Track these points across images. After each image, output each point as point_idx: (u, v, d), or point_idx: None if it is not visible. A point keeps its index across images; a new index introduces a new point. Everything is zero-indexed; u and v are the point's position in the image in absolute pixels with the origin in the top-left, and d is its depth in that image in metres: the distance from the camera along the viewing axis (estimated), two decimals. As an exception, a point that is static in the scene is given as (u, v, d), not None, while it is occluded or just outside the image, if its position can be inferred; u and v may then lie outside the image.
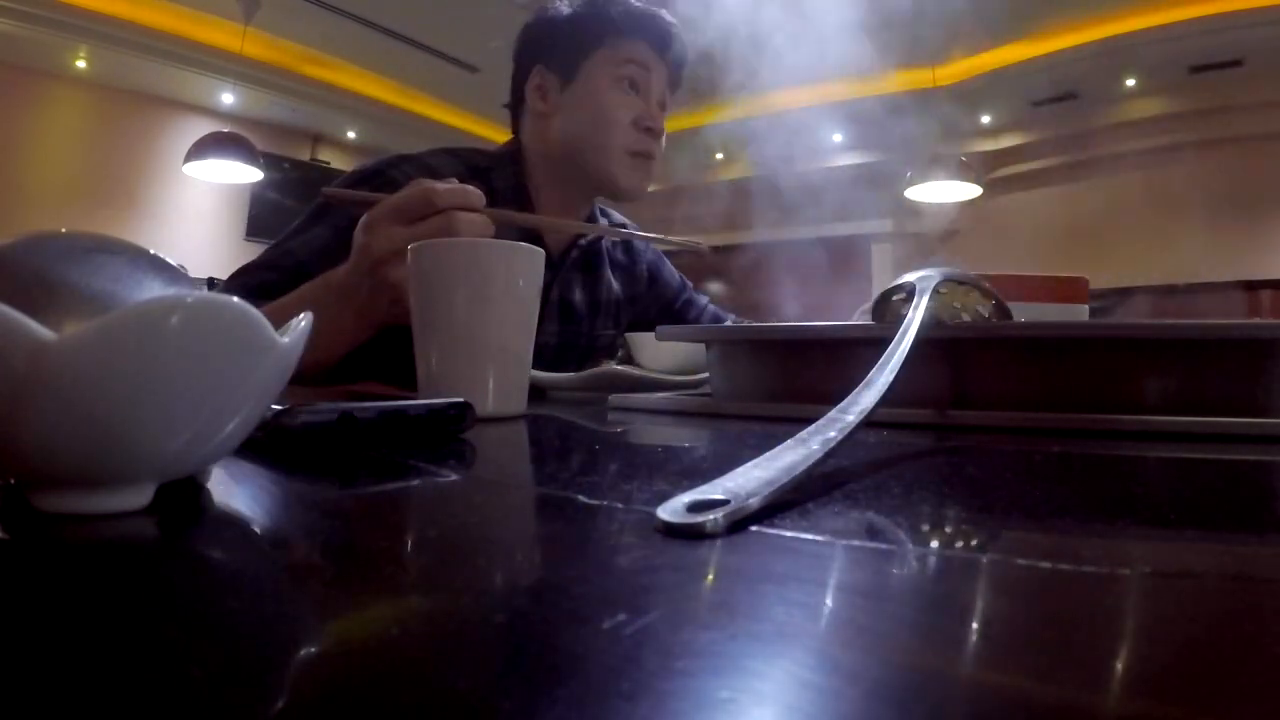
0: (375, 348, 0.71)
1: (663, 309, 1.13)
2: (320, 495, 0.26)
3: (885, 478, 0.27)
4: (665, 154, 0.95)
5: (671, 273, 1.16)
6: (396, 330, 0.63)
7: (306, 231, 0.82)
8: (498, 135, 5.04)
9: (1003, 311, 0.47)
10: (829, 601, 0.15)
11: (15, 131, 4.11)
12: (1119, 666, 0.12)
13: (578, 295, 1.00)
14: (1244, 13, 3.54)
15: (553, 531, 0.22)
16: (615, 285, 1.05)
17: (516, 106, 0.98)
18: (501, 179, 0.92)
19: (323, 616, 0.15)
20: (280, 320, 0.22)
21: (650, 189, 0.97)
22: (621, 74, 0.91)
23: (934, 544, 0.19)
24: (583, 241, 0.99)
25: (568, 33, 0.93)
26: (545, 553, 0.20)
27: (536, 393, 0.66)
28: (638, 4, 0.94)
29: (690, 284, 1.19)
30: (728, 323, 1.11)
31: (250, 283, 0.78)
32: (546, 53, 0.94)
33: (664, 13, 0.95)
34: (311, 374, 0.70)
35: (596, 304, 1.02)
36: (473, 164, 0.92)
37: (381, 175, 0.84)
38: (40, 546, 0.18)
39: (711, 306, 1.18)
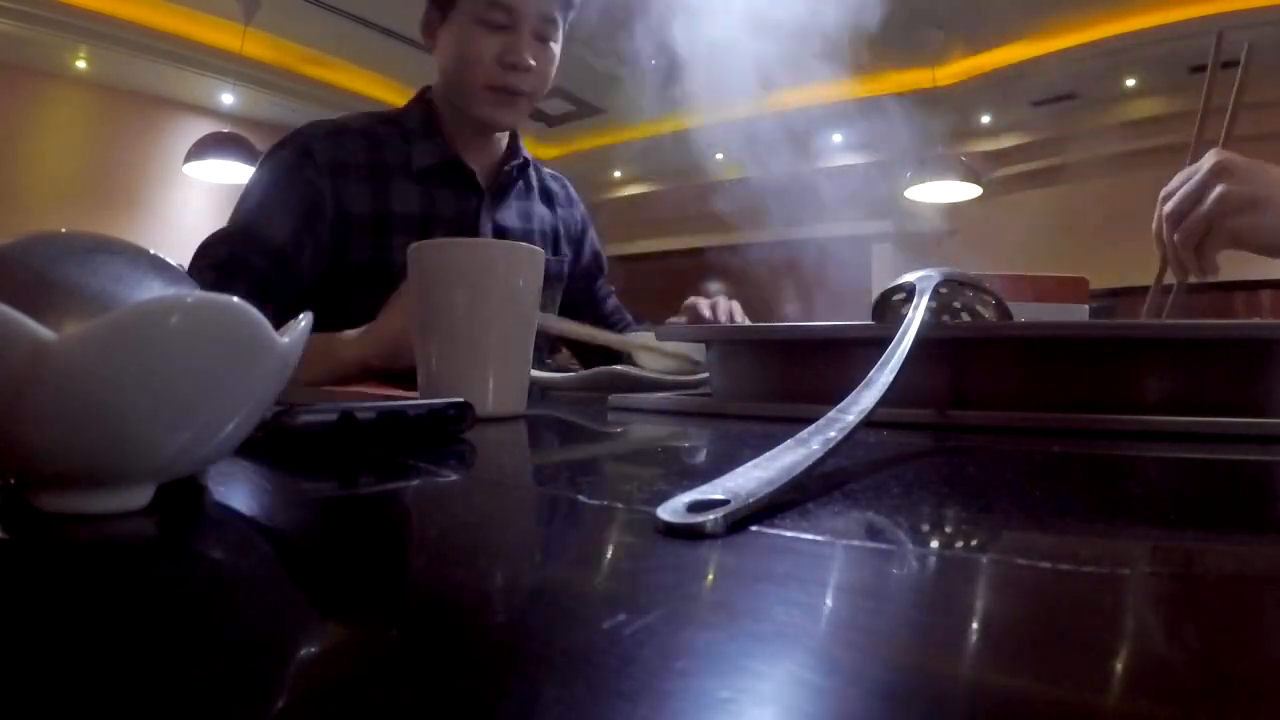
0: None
1: (581, 272, 1.14)
2: (320, 495, 0.26)
3: (885, 478, 0.27)
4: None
5: (594, 243, 1.17)
6: None
7: (266, 207, 0.86)
8: (498, 135, 5.04)
9: (1003, 311, 0.47)
10: (829, 601, 0.15)
11: (15, 131, 4.10)
12: (1119, 666, 0.12)
13: (512, 221, 1.02)
14: (1244, 13, 3.54)
15: (553, 531, 0.22)
16: (546, 212, 1.08)
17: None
18: (410, 119, 0.97)
19: (323, 616, 0.15)
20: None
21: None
22: (485, 15, 0.92)
23: (934, 544, 0.19)
24: (508, 167, 1.01)
25: None
26: (545, 552, 0.20)
27: (536, 393, 0.66)
28: None
29: (605, 271, 1.20)
30: (630, 324, 1.14)
31: (220, 257, 0.83)
32: None
33: None
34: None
35: (529, 232, 1.04)
36: (383, 115, 0.97)
37: (296, 143, 0.89)
38: (40, 546, 0.18)
39: (614, 300, 1.19)
